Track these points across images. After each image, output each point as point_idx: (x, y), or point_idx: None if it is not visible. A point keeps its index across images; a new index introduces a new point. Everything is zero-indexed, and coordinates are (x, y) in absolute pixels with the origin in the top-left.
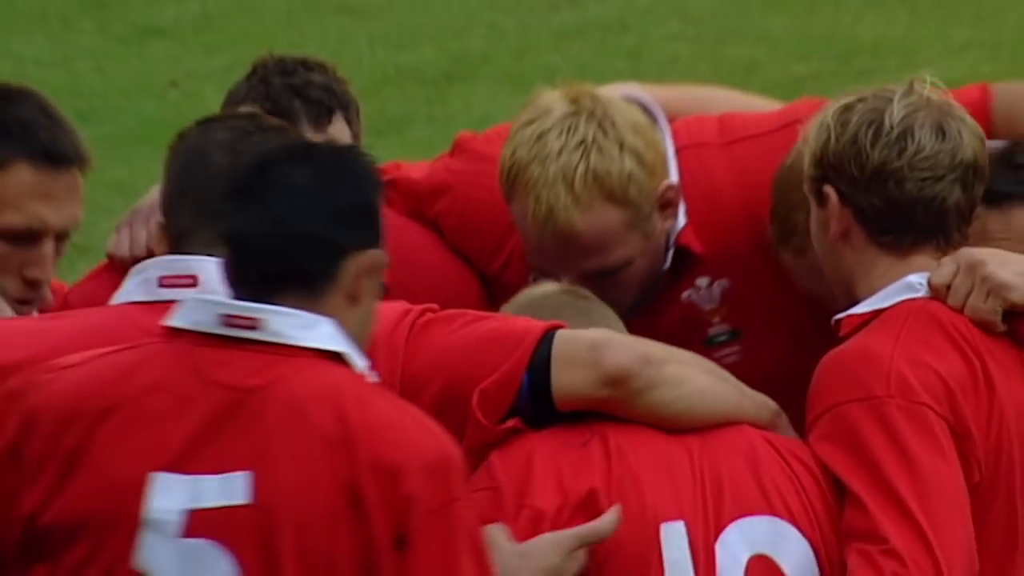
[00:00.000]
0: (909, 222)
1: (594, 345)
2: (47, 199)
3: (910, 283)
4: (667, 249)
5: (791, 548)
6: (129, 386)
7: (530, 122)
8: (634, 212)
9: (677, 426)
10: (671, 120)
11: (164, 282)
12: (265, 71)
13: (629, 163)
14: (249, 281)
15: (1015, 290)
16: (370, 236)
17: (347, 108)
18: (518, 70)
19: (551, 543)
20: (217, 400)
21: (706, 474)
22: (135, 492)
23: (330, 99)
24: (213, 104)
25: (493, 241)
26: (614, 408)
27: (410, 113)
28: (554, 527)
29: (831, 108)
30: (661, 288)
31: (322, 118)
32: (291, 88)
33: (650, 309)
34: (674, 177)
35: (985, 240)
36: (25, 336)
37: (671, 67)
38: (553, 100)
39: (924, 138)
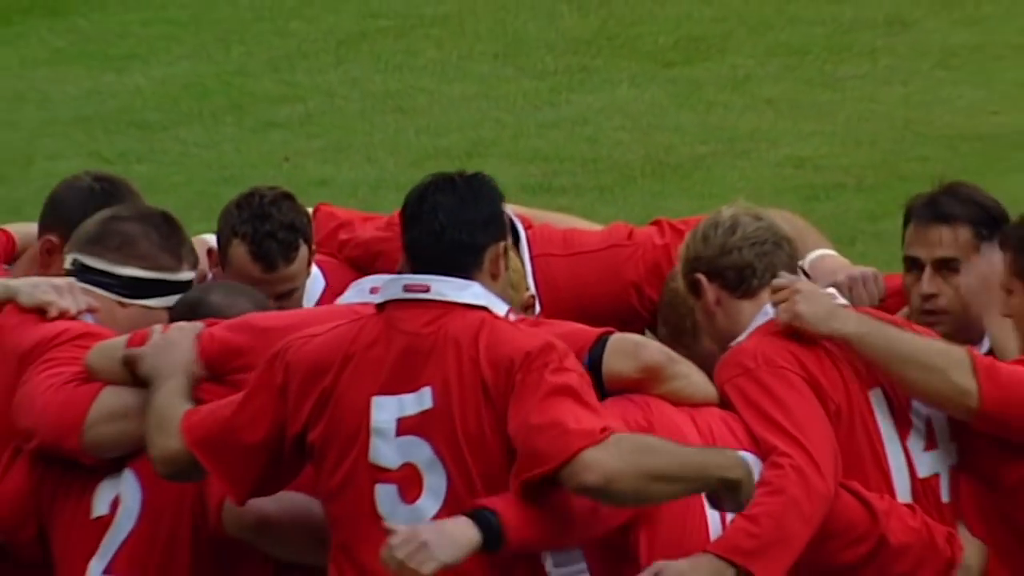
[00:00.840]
0: (752, 274)
1: (637, 343)
2: None
3: (766, 311)
4: None
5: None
6: (357, 343)
7: None
8: None
9: (681, 405)
10: (529, 226)
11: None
12: (250, 212)
13: None
14: (424, 271)
15: (791, 317)
16: (498, 232)
17: (305, 231)
18: (515, 150)
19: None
20: (405, 343)
21: (701, 426)
22: (365, 412)
23: (294, 235)
24: (312, 174)
25: None
26: (643, 388)
27: None
28: None
29: (688, 235)
30: None
31: (291, 252)
32: (268, 235)
33: None
34: (531, 282)
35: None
36: (285, 316)
37: (617, 148)
38: None
39: (747, 223)
